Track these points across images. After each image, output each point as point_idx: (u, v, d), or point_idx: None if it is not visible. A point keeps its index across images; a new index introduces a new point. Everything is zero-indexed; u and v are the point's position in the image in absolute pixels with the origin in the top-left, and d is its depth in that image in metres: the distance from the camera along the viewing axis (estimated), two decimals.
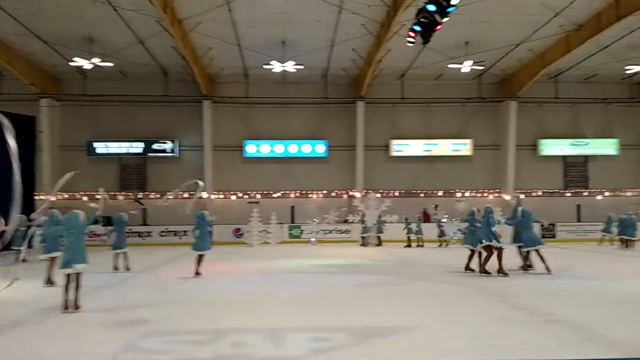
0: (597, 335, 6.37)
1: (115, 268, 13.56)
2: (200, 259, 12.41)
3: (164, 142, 26.96)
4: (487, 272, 11.76)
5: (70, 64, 21.90)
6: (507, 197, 26.62)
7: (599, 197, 27.37)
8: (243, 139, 27.29)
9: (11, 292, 9.12)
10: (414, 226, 22.24)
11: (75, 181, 10.91)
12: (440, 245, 21.87)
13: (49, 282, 11.02)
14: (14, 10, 18.46)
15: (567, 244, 22.43)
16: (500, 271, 11.63)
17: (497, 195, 27.37)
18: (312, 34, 20.94)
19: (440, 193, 27.33)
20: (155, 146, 26.93)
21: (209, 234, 13.32)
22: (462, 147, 27.65)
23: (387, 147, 27.66)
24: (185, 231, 24.82)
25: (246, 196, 27.11)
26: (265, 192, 27.15)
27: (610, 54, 22.45)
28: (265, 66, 21.98)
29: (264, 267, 14.65)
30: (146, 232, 25.13)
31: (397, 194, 26.86)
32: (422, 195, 27.35)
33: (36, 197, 22.46)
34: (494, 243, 11.58)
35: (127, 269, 13.58)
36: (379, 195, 24.68)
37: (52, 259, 10.82)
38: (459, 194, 26.78)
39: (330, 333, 6.62)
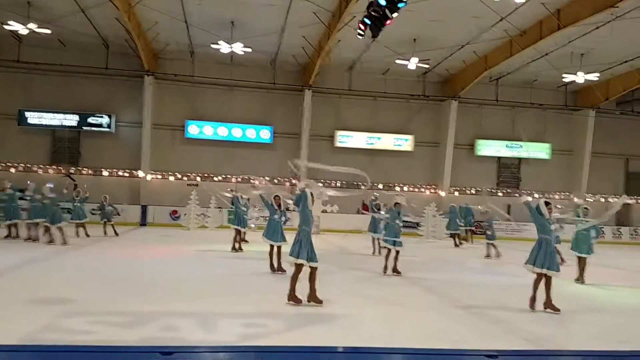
0: (517, 329, 6.70)
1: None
2: None
3: (101, 117, 25.82)
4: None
5: (5, 27, 20.45)
6: (442, 194, 27.47)
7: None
8: (185, 119, 26.60)
9: None
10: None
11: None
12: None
13: None
14: None
15: (497, 242, 23.40)
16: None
17: (433, 191, 28.19)
18: (262, 18, 20.62)
19: (380, 186, 27.80)
20: (91, 120, 25.75)
21: None
22: (404, 142, 28.24)
23: (332, 138, 27.81)
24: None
25: (185, 178, 26.50)
26: (205, 174, 26.63)
27: (549, 62, 23.48)
28: (212, 45, 21.44)
29: (199, 251, 14.42)
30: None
31: (339, 184, 27.07)
32: (363, 187, 27.68)
33: None
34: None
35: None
36: (321, 184, 24.78)
37: None
38: (398, 188, 27.34)
39: (263, 319, 6.60)
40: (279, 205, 10.54)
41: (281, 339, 5.61)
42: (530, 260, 7.93)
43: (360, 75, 27.10)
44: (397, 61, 22.41)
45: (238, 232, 14.30)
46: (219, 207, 24.36)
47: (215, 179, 26.64)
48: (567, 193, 28.24)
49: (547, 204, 8.25)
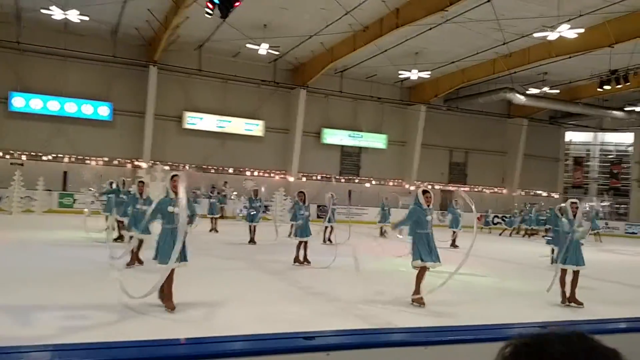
0: (352, 307, 7.18)
1: None
2: None
3: None
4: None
5: None
6: (291, 179, 28.20)
7: (367, 185, 30.84)
8: (9, 90, 23.53)
9: None
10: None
11: None
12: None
13: None
14: None
15: (338, 225, 24.70)
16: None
17: (282, 176, 28.79)
18: None
19: (230, 170, 27.60)
20: None
21: None
22: (255, 127, 28.30)
23: (180, 119, 26.79)
24: None
25: (8, 156, 23.52)
26: (32, 153, 23.91)
27: (388, 58, 25.22)
28: (43, 10, 19.19)
29: (21, 238, 12.98)
30: None
31: (187, 167, 26.25)
32: (212, 171, 27.25)
33: None
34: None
35: None
36: (167, 167, 23.81)
37: None
38: (248, 173, 27.42)
39: (91, 311, 6.19)
40: (141, 193, 10.29)
41: (106, 333, 5.32)
42: (415, 256, 7.57)
43: (210, 55, 26.41)
44: (248, 45, 22.28)
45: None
46: (48, 190, 22.14)
47: (44, 158, 24.08)
48: (400, 180, 30.87)
49: (424, 192, 7.60)
